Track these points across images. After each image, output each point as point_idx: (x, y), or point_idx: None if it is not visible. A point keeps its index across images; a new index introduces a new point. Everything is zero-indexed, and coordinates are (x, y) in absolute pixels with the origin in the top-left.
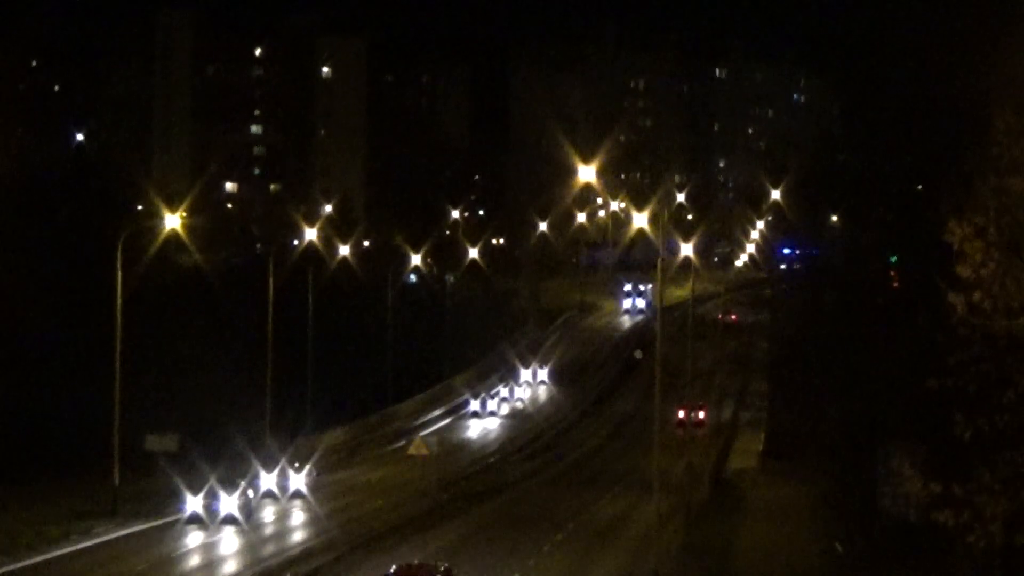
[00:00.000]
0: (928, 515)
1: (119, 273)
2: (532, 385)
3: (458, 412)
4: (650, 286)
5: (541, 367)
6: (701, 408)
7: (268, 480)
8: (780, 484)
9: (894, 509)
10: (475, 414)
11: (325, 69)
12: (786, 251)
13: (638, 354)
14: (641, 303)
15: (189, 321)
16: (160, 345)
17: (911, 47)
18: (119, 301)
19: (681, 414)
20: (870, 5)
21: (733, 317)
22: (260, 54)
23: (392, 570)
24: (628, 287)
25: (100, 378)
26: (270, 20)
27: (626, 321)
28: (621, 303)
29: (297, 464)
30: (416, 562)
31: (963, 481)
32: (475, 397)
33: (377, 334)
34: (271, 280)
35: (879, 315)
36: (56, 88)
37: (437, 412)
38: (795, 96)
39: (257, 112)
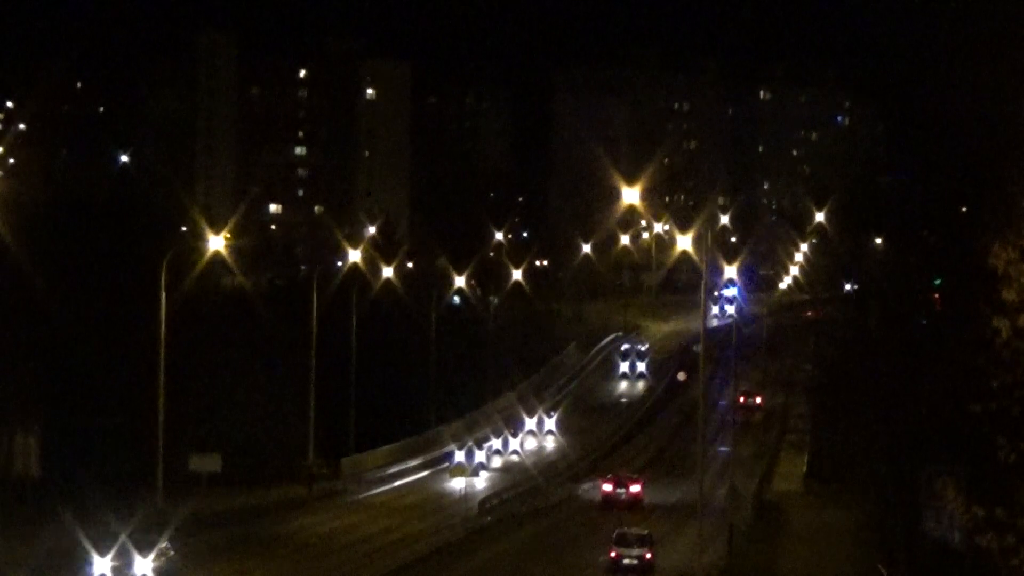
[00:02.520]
0: (971, 539)
1: (163, 294)
2: (538, 435)
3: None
4: (647, 346)
5: (549, 415)
6: (758, 395)
7: None
8: (823, 507)
9: (937, 532)
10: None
11: (369, 91)
12: (728, 291)
13: (681, 376)
14: (641, 366)
15: (232, 342)
16: (203, 366)
17: (955, 70)
18: (163, 322)
19: (742, 399)
20: (914, 28)
21: (758, 400)
22: (304, 76)
23: None
24: (625, 347)
25: (143, 398)
26: (314, 42)
27: (623, 387)
28: (617, 366)
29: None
30: None
31: (1006, 504)
32: (461, 447)
33: (420, 356)
34: (315, 301)
35: (922, 338)
36: (100, 110)
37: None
38: (839, 118)
39: (301, 134)
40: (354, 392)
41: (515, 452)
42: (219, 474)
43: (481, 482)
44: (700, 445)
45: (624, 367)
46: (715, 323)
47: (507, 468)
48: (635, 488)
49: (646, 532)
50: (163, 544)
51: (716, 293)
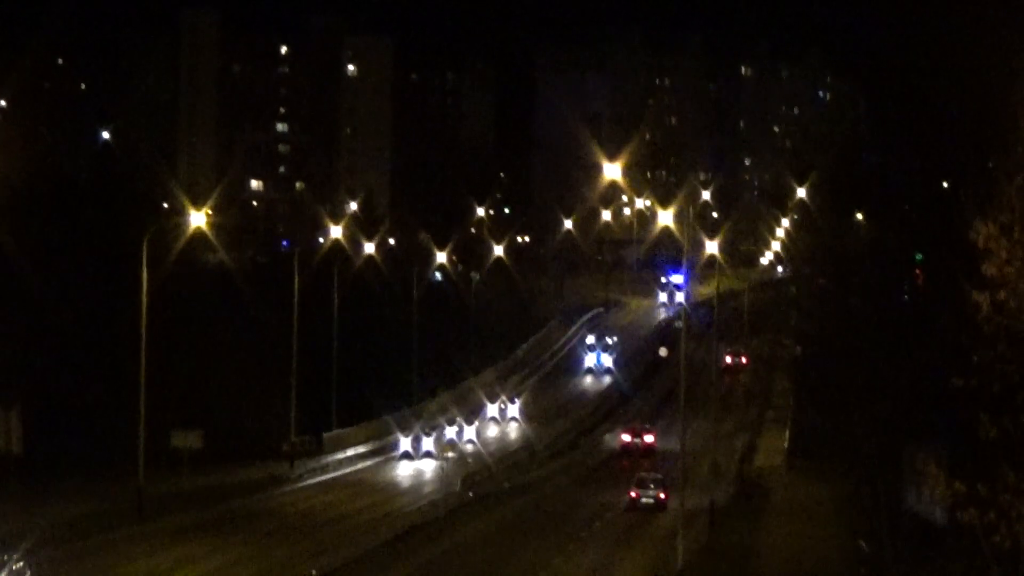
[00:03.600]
0: (953, 515)
1: (144, 271)
2: (500, 423)
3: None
4: (615, 339)
5: (512, 400)
6: (744, 355)
7: None
8: (805, 483)
9: (919, 508)
10: (406, 455)
11: (350, 68)
12: (675, 279)
13: (663, 351)
14: (607, 360)
15: (214, 319)
16: (185, 343)
17: (937, 45)
18: (144, 299)
19: (728, 359)
20: (895, 4)
21: (743, 360)
22: (286, 53)
23: None
24: (591, 339)
25: (125, 375)
26: (295, 19)
27: (588, 383)
28: (583, 359)
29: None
30: None
31: (988, 481)
32: (407, 434)
33: (402, 332)
34: (296, 278)
35: (904, 314)
36: (82, 87)
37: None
38: (821, 94)
39: (282, 111)
40: (336, 369)
41: (470, 441)
42: (201, 451)
43: (428, 473)
44: (683, 422)
45: (590, 361)
46: (663, 313)
47: (460, 458)
48: (649, 438)
49: (660, 476)
50: (16, 565)
51: (664, 280)
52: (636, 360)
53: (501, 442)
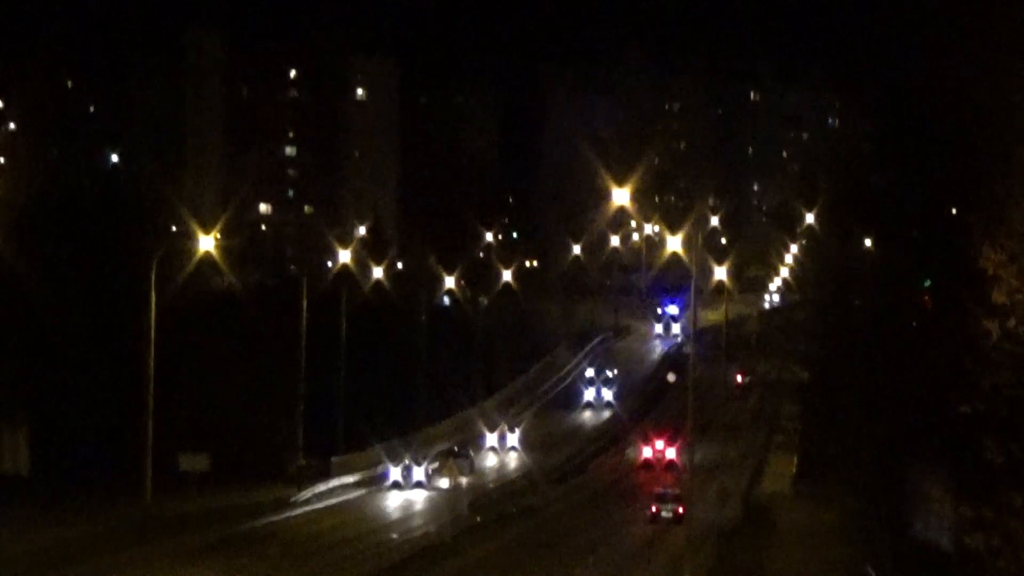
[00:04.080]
0: (959, 539)
1: (152, 294)
2: (499, 452)
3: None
4: (616, 371)
5: (512, 429)
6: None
7: None
8: (811, 507)
9: (925, 533)
10: (396, 485)
11: (359, 91)
12: (670, 308)
13: (671, 377)
14: (608, 394)
15: (222, 342)
16: (193, 366)
17: (945, 72)
18: (152, 321)
19: (739, 378)
20: (904, 30)
21: (740, 378)
22: (293, 76)
23: None
24: (590, 373)
25: (132, 396)
26: (303, 41)
27: (588, 418)
28: (582, 393)
29: None
30: None
31: (994, 505)
32: (397, 463)
33: (410, 357)
34: (304, 302)
35: (911, 339)
36: (90, 109)
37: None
38: (829, 120)
39: (290, 133)
40: (343, 392)
41: (419, 483)
42: (208, 473)
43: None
44: (691, 450)
45: (589, 395)
46: (659, 345)
47: (455, 488)
48: (670, 453)
49: (678, 491)
50: None
51: (659, 311)
52: (641, 387)
53: (500, 471)
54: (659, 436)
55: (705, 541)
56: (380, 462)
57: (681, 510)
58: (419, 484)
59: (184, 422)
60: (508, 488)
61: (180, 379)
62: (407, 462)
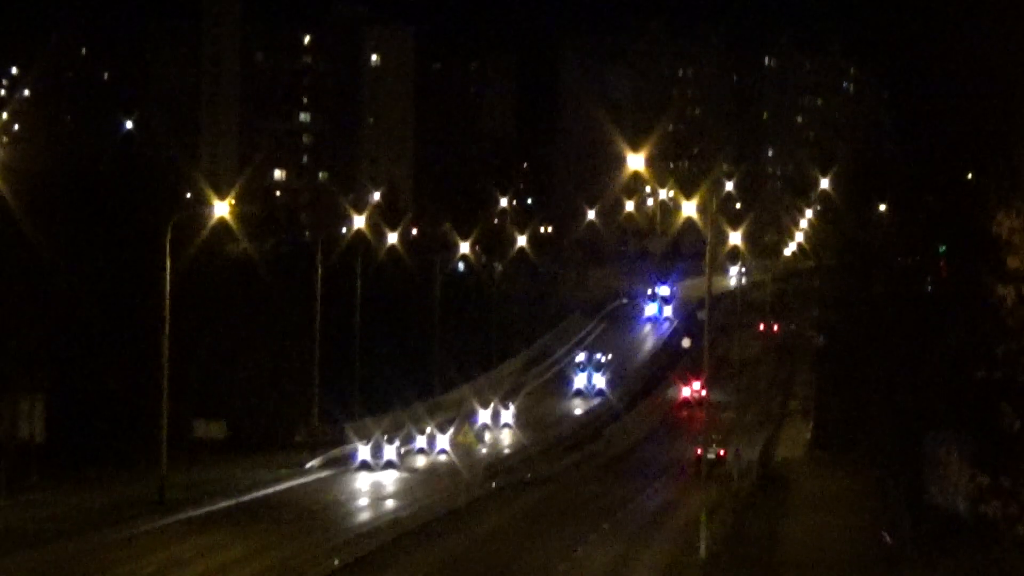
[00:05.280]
0: (976, 507)
1: (167, 260)
2: (492, 428)
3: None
4: (610, 356)
5: (505, 406)
6: (776, 323)
7: None
8: (827, 474)
9: (941, 500)
10: (364, 465)
11: (373, 57)
12: (662, 290)
13: (686, 343)
14: (600, 381)
15: (237, 309)
16: (208, 332)
17: (960, 36)
18: (167, 288)
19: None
20: None
21: (775, 328)
22: (308, 42)
23: None
24: (581, 357)
25: (148, 364)
26: (319, 8)
27: (577, 406)
28: (571, 380)
29: None
30: None
31: (1011, 473)
32: (367, 442)
33: (424, 322)
34: (319, 268)
35: (927, 305)
36: (105, 77)
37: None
38: (844, 85)
39: (305, 100)
40: (358, 358)
41: (443, 451)
42: (223, 440)
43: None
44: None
45: (580, 382)
46: (649, 328)
47: (432, 470)
48: (703, 392)
49: (720, 436)
50: None
51: (650, 291)
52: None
53: (492, 448)
54: (696, 378)
55: (720, 508)
56: (393, 428)
57: (722, 453)
58: (390, 464)
59: (200, 389)
60: (524, 454)
61: (196, 346)
62: (378, 440)
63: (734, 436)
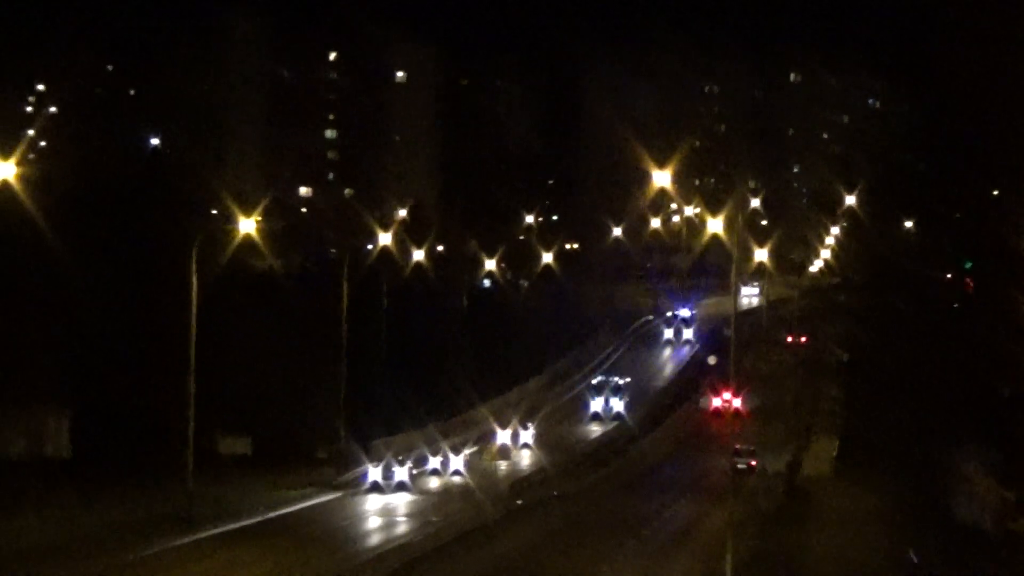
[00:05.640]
0: (1002, 523)
1: (193, 276)
2: (512, 448)
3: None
4: (627, 379)
5: (525, 427)
6: (804, 335)
7: None
8: (853, 490)
9: (968, 516)
10: (375, 486)
11: (399, 74)
12: (681, 311)
13: (711, 359)
14: (618, 404)
15: (262, 325)
16: (234, 349)
17: (987, 55)
18: (194, 304)
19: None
20: (946, 12)
21: (803, 339)
22: (334, 58)
23: None
24: (598, 380)
25: (174, 380)
26: (344, 24)
27: (594, 430)
28: (588, 405)
29: None
30: None
31: None
32: (378, 463)
33: (450, 339)
34: (345, 284)
35: (953, 321)
36: (131, 92)
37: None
38: (870, 101)
39: (331, 116)
40: (385, 375)
41: (457, 472)
42: (249, 456)
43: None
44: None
45: (596, 406)
46: (669, 352)
47: (444, 491)
48: (736, 402)
49: (752, 448)
50: None
51: (672, 314)
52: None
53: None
54: (726, 388)
55: (746, 524)
56: (418, 446)
57: (754, 463)
58: (402, 486)
59: (225, 405)
60: (548, 472)
61: (221, 362)
62: (388, 460)
63: (760, 452)
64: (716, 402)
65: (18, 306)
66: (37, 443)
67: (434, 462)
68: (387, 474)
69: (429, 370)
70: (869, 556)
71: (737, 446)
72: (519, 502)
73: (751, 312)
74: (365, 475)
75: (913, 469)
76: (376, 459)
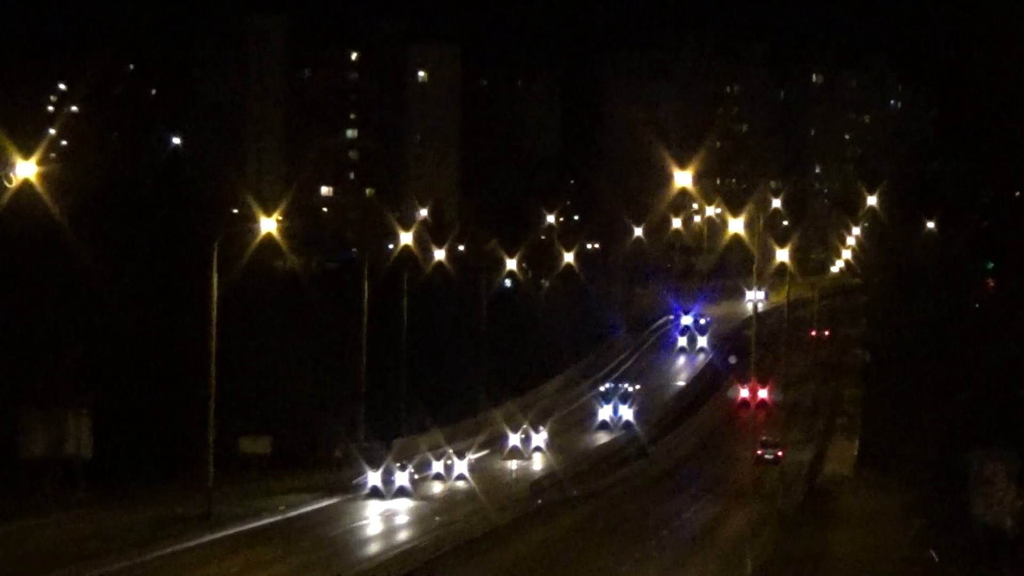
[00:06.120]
0: (1022, 524)
1: (214, 276)
2: (523, 453)
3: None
4: (638, 386)
5: (536, 430)
6: (827, 330)
7: None
8: (874, 491)
9: (988, 518)
10: (375, 491)
11: (420, 74)
12: (684, 319)
13: (732, 359)
14: (627, 412)
15: (283, 325)
16: (254, 348)
17: (1008, 54)
18: (215, 304)
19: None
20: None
21: (826, 333)
22: (355, 59)
23: None
24: (606, 387)
25: (194, 380)
26: (364, 25)
27: (602, 438)
28: (596, 412)
29: None
30: None
31: None
32: (377, 468)
33: (470, 339)
34: (366, 284)
35: (974, 322)
36: (152, 93)
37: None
38: (891, 102)
39: (352, 116)
40: (405, 375)
41: (461, 477)
42: (269, 456)
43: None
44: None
45: (604, 414)
46: (682, 361)
47: (448, 496)
48: (763, 394)
49: (778, 440)
50: None
51: (681, 323)
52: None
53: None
54: (752, 382)
55: (766, 525)
56: (440, 446)
57: (780, 453)
58: (402, 491)
59: (246, 405)
60: (569, 472)
61: (242, 362)
62: (388, 465)
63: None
64: (744, 393)
65: (39, 306)
66: (59, 443)
67: (437, 466)
68: (387, 479)
69: (447, 371)
70: (889, 556)
71: (763, 437)
72: (539, 501)
73: (772, 312)
74: (365, 480)
75: (933, 470)
76: (379, 463)
